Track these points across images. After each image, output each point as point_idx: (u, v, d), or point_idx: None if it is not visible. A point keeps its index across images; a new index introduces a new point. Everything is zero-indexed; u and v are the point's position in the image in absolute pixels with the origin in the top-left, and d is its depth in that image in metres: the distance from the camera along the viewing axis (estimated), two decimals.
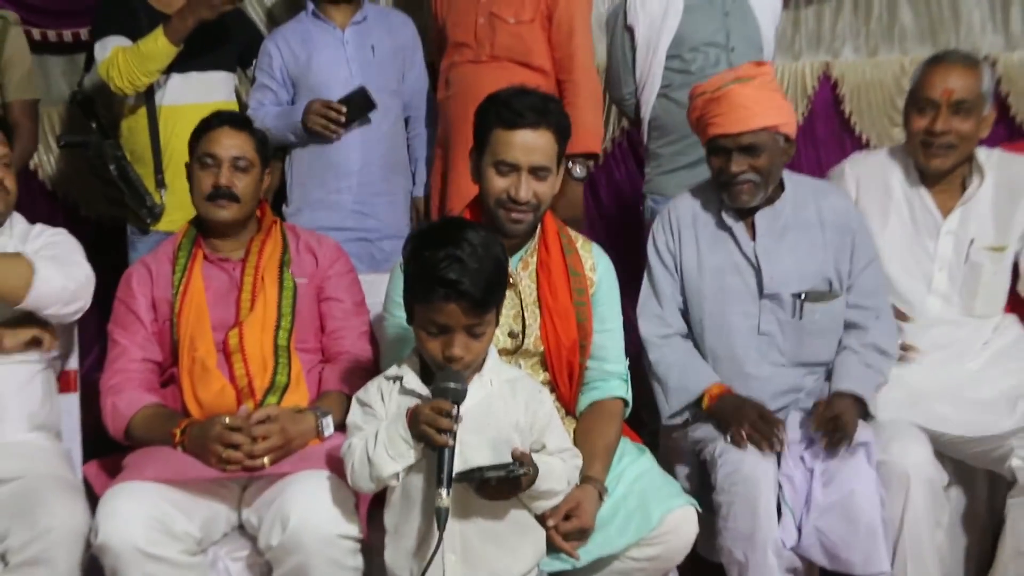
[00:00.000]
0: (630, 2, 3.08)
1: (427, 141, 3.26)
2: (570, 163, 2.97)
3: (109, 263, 2.85)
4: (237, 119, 2.46)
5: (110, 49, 2.94)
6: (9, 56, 3.02)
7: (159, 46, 2.89)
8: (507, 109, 2.11)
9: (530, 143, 2.10)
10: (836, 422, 2.23)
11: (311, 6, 3.14)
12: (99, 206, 3.55)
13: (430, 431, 1.76)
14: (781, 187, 2.46)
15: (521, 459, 1.80)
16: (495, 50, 2.97)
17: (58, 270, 2.28)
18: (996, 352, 2.50)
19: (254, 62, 3.19)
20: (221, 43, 3.06)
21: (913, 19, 3.94)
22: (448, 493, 1.74)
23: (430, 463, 1.82)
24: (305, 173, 3.11)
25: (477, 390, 1.88)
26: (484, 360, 1.92)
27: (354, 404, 1.96)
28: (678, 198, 2.58)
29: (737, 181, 2.36)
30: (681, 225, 2.48)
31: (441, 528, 1.75)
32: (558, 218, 2.91)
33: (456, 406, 1.78)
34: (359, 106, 3.01)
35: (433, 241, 1.83)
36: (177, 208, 3.01)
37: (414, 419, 1.80)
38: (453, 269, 1.77)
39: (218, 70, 3.09)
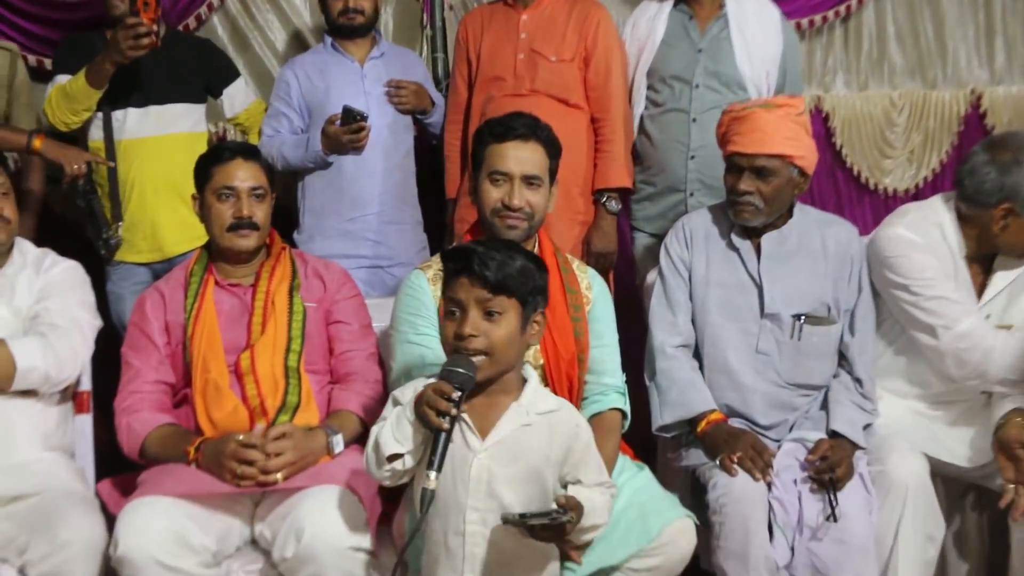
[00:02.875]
0: (627, 23, 3.28)
1: None
2: (604, 198, 3.19)
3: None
4: (248, 149, 2.63)
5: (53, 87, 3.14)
6: (18, 88, 3.20)
7: (79, 87, 3.06)
8: (500, 125, 2.36)
9: (522, 154, 2.34)
10: (832, 474, 2.37)
11: (329, 39, 3.35)
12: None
13: (429, 412, 1.84)
14: (789, 214, 2.65)
15: (566, 504, 1.86)
16: (535, 85, 3.14)
17: (44, 353, 2.42)
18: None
19: (224, 91, 3.37)
20: (182, 76, 3.22)
21: (901, 54, 4.17)
22: (437, 476, 1.83)
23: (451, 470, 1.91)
24: (318, 201, 3.30)
25: (511, 420, 1.94)
26: (524, 389, 1.98)
27: (389, 401, 2.04)
28: (694, 213, 2.77)
29: (741, 200, 2.55)
30: (694, 238, 2.68)
31: (424, 510, 1.84)
32: (594, 250, 3.11)
33: (460, 392, 1.85)
34: (353, 121, 3.15)
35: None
36: (142, 239, 3.20)
37: (418, 401, 1.90)
38: (466, 250, 1.93)
39: (180, 102, 3.24)
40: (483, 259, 1.89)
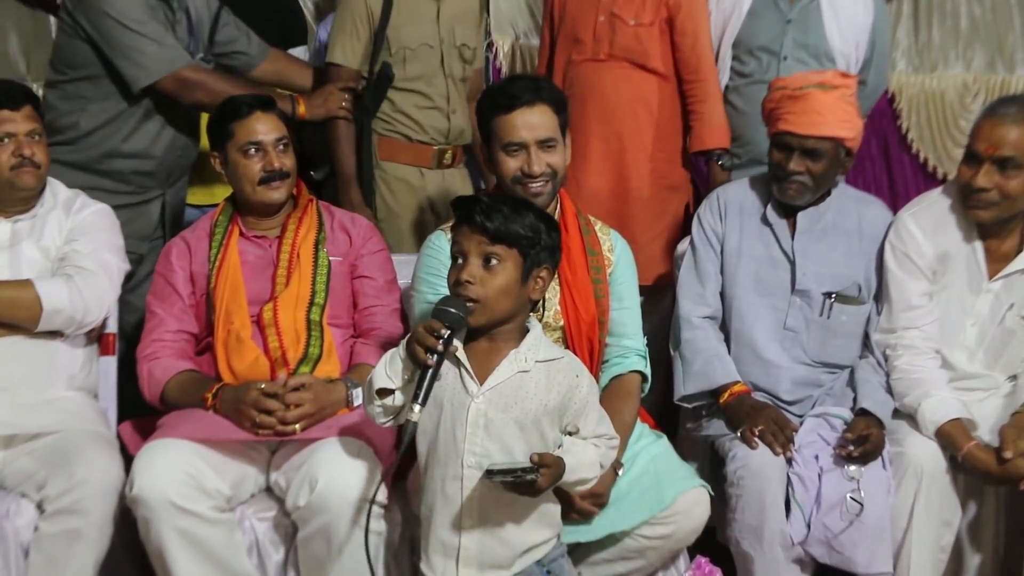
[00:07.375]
0: None
1: None
2: (716, 159, 3.29)
3: None
4: (265, 101, 2.77)
5: None
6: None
7: None
8: (502, 95, 2.51)
9: (532, 120, 2.48)
10: (867, 444, 2.51)
11: None
12: None
13: (418, 348, 2.01)
14: (827, 192, 2.78)
15: (541, 462, 1.99)
16: (613, 50, 3.26)
17: (70, 295, 2.60)
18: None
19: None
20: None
21: (977, 32, 4.13)
22: (420, 410, 2.02)
23: (447, 427, 2.09)
24: None
25: (509, 366, 2.09)
26: (524, 337, 2.13)
27: None
28: (730, 185, 2.93)
29: (790, 179, 2.69)
30: (728, 211, 2.82)
31: (407, 440, 2.03)
32: None
33: (449, 330, 2.01)
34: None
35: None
36: None
37: (409, 338, 2.07)
38: (473, 199, 2.11)
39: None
40: (486, 209, 2.06)
